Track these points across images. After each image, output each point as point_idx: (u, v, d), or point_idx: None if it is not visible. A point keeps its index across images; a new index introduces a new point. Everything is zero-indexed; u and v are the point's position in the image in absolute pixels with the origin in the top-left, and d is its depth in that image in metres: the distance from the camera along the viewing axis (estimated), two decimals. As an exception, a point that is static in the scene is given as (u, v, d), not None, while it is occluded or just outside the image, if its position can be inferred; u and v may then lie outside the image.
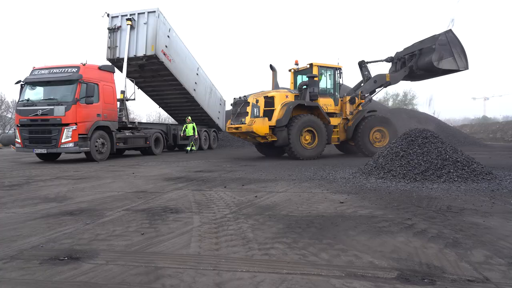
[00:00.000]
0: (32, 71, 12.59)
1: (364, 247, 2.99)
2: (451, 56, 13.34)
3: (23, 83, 12.39)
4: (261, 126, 11.77)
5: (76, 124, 11.66)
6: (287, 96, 12.45)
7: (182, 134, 17.65)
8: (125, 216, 4.18)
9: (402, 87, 53.35)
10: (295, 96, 12.62)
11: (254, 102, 11.96)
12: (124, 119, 14.56)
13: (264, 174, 8.03)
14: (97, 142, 12.50)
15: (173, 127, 18.20)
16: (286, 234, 3.37)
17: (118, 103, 14.12)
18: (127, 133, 14.47)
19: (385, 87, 14.84)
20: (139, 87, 17.39)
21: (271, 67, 13.82)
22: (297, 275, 2.42)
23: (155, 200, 5.13)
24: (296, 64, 13.92)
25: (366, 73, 14.84)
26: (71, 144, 11.62)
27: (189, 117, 17.87)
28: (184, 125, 17.72)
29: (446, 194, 5.27)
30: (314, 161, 11.52)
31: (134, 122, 16.13)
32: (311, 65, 13.08)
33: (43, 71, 12.37)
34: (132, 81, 15.42)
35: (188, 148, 17.49)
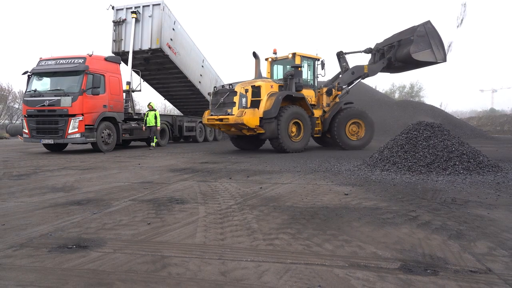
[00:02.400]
0: (39, 62, 12.67)
1: (368, 238, 3.01)
2: (429, 48, 13.19)
3: (30, 73, 12.47)
4: (252, 118, 10.88)
5: (82, 115, 11.74)
6: (272, 86, 11.78)
7: (144, 128, 14.68)
8: (132, 206, 4.23)
9: (409, 78, 53.05)
10: (279, 86, 12.00)
11: (243, 91, 11.14)
12: (130, 110, 14.64)
13: (269, 166, 8.06)
14: (103, 133, 12.59)
15: (179, 118, 18.24)
16: (290, 225, 3.40)
17: (124, 94, 14.19)
18: (133, 124, 14.55)
19: (363, 78, 14.55)
20: (145, 80, 17.44)
21: (254, 54, 13.00)
22: (301, 265, 2.46)
23: (161, 191, 5.19)
24: (275, 53, 13.17)
25: (344, 64, 14.51)
26: (77, 135, 11.72)
27: (151, 103, 14.92)
28: (146, 113, 14.84)
29: (451, 186, 5.27)
30: (318, 153, 11.51)
31: (140, 113, 16.21)
32: (294, 54, 12.54)
33: (49, 62, 12.43)
34: (138, 73, 15.46)
35: (153, 144, 14.72)
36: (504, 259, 2.53)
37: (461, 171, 6.18)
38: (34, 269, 2.44)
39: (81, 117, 11.71)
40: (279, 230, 3.26)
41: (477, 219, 3.52)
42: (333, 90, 13.43)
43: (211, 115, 12.02)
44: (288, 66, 13.27)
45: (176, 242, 2.97)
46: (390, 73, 15.72)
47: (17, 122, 39.98)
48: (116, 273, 2.37)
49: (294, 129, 11.87)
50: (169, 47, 15.11)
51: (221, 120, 11.47)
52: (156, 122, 14.56)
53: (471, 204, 4.16)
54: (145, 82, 17.73)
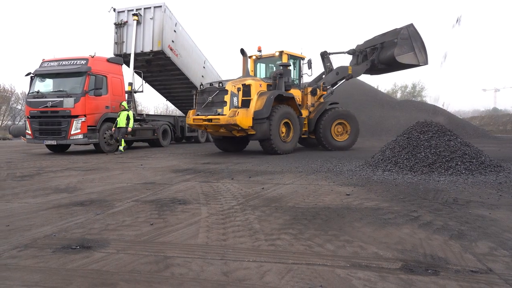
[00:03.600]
0: (42, 63, 12.73)
1: (369, 238, 3.02)
2: (412, 50, 13.32)
3: (33, 75, 12.54)
4: (245, 118, 10.26)
5: (85, 116, 11.80)
6: (260, 85, 11.20)
7: (113, 129, 12.64)
8: (134, 207, 4.26)
9: (411, 78, 52.94)
10: (267, 85, 11.45)
11: (235, 90, 10.48)
12: (132, 111, 14.67)
13: (270, 166, 8.08)
14: (105, 134, 12.63)
15: (181, 119, 18.24)
16: (292, 226, 3.42)
17: (126, 95, 14.23)
18: (135, 125, 14.58)
19: (347, 79, 14.40)
20: (146, 81, 17.45)
21: (242, 51, 12.37)
22: (303, 265, 2.48)
23: (163, 192, 5.21)
24: (259, 50, 12.57)
25: (328, 64, 14.36)
26: (80, 136, 11.77)
27: (123, 103, 12.95)
28: (118, 113, 12.74)
29: (453, 186, 5.27)
30: (320, 153, 11.51)
31: (142, 114, 16.26)
32: (281, 53, 12.09)
33: (52, 63, 12.49)
34: (140, 74, 15.50)
35: (121, 148, 12.78)
36: (505, 259, 2.55)
37: (463, 171, 6.18)
38: (38, 270, 2.47)
39: (83, 118, 11.76)
40: (281, 230, 3.28)
41: (478, 219, 3.53)
42: (318, 90, 13.16)
43: (197, 115, 11.15)
44: (271, 65, 13.01)
45: (178, 242, 3.00)
46: (371, 74, 15.84)
47: (19, 123, 40.13)
48: (119, 273, 2.39)
49: (283, 130, 11.41)
50: (171, 49, 15.13)
51: (209, 120, 10.66)
52: (128, 123, 12.58)
53: (472, 204, 4.17)
54: (147, 84, 17.77)
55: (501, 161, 7.54)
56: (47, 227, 3.46)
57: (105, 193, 5.20)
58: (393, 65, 13.89)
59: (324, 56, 14.49)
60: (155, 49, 14.66)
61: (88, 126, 11.89)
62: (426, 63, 13.66)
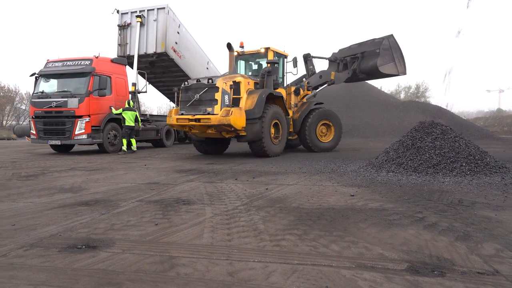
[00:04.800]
0: (46, 63, 12.79)
1: (374, 239, 3.02)
2: (392, 61, 13.50)
3: (37, 75, 12.60)
4: (239, 118, 9.48)
5: (89, 116, 11.84)
6: (248, 83, 10.64)
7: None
8: (139, 207, 4.27)
9: (415, 79, 52.76)
10: (254, 83, 10.90)
11: (227, 88, 9.73)
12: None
13: (274, 167, 8.08)
14: (109, 134, 12.67)
15: None
16: (297, 226, 3.41)
17: (130, 95, 14.28)
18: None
19: (329, 85, 14.27)
20: (150, 82, 17.49)
21: (229, 46, 11.62)
22: (308, 266, 2.47)
23: (167, 192, 5.22)
24: (241, 46, 11.99)
25: (311, 67, 14.16)
26: (84, 136, 11.82)
27: (128, 101, 12.82)
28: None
29: (458, 187, 5.25)
30: (322, 154, 11.49)
31: (146, 115, 16.32)
32: (267, 49, 11.55)
33: (57, 64, 12.56)
34: (143, 74, 15.54)
35: (124, 147, 12.58)
36: (511, 260, 2.53)
37: (468, 172, 6.15)
38: (45, 269, 2.48)
39: (87, 118, 11.81)
40: (285, 231, 3.27)
41: (484, 221, 3.51)
42: (301, 90, 12.91)
43: (182, 114, 10.23)
44: (250, 62, 12.79)
45: (183, 242, 3.00)
46: (347, 82, 15.82)
47: (24, 123, 40.34)
48: (125, 273, 2.40)
49: (273, 131, 10.76)
50: (174, 51, 15.16)
51: (197, 120, 9.75)
52: (124, 121, 12.49)
53: (478, 206, 4.15)
54: (150, 84, 17.82)
55: (506, 162, 7.49)
56: (52, 227, 3.47)
57: (109, 193, 5.21)
58: (373, 75, 14.05)
59: (307, 58, 14.30)
60: (159, 50, 14.70)
61: (92, 127, 11.94)
62: (404, 73, 13.90)
